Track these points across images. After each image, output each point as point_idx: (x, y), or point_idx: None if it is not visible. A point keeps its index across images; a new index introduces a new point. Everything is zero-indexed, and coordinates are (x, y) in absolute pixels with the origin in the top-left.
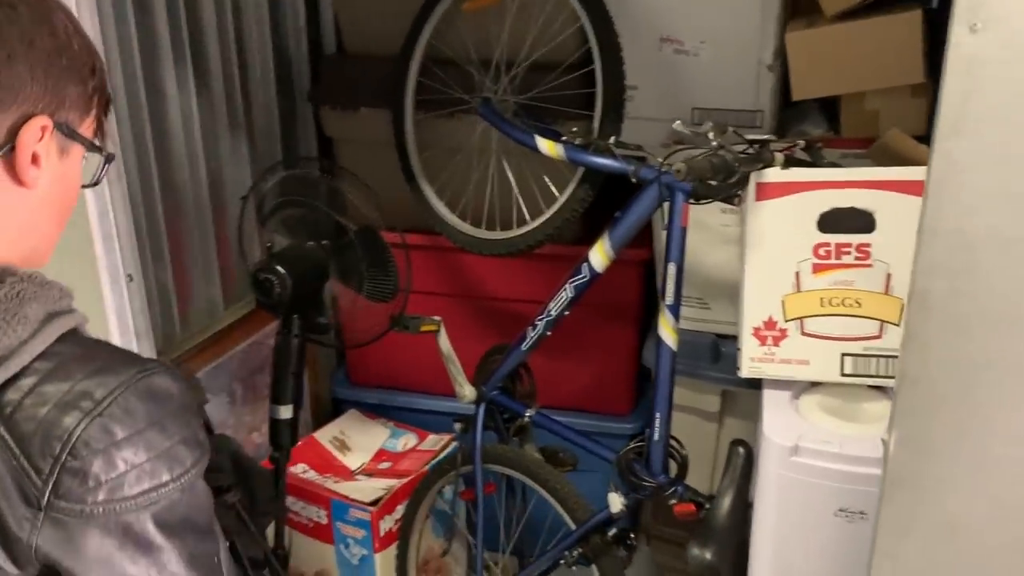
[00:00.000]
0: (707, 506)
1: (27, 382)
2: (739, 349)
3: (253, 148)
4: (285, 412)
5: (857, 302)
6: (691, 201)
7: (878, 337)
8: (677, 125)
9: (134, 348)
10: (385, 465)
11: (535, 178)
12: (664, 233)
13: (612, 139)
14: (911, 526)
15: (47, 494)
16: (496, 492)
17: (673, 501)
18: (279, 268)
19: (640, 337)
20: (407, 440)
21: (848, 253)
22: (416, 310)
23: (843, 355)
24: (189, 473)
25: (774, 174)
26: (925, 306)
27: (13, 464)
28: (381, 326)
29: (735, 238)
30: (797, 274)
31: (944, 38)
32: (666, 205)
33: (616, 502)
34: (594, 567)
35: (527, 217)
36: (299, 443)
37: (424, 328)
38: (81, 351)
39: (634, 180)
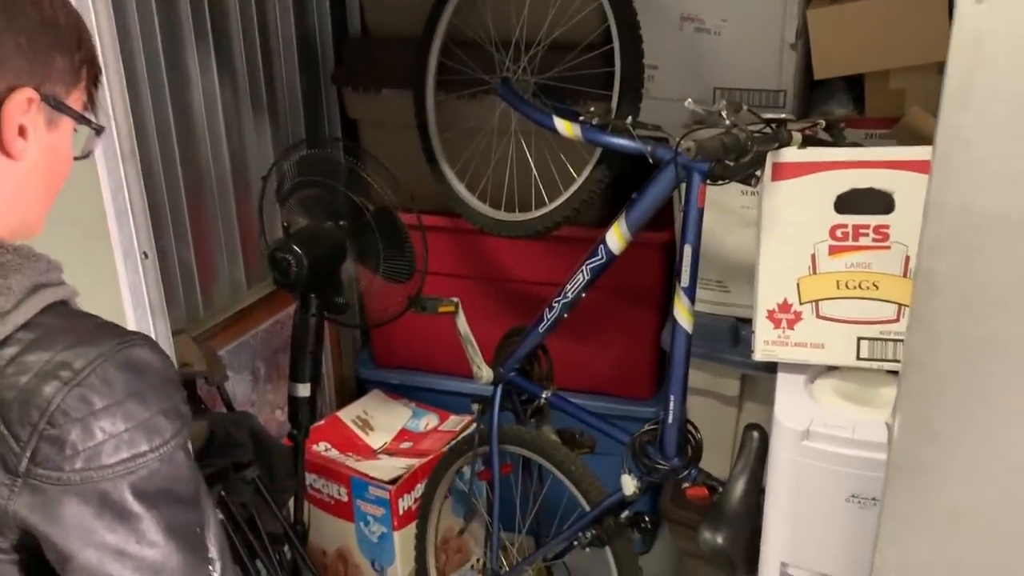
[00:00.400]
0: (720, 490)
1: (9, 352)
2: (753, 332)
3: (277, 130)
4: (303, 390)
5: (874, 285)
6: (708, 182)
7: (895, 321)
8: (689, 103)
9: (149, 326)
10: (407, 445)
11: (554, 159)
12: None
13: (630, 119)
14: (916, 513)
15: (25, 461)
16: (512, 473)
17: (686, 484)
18: (296, 248)
19: (661, 321)
20: (429, 420)
21: (866, 235)
22: (435, 292)
23: (859, 339)
24: (168, 444)
25: (790, 154)
26: (931, 286)
27: None
28: (398, 307)
29: (755, 220)
30: (813, 256)
31: None
32: (684, 187)
33: (629, 484)
34: (607, 549)
35: (546, 199)
36: (322, 422)
37: (442, 309)
38: (65, 323)
39: (651, 161)
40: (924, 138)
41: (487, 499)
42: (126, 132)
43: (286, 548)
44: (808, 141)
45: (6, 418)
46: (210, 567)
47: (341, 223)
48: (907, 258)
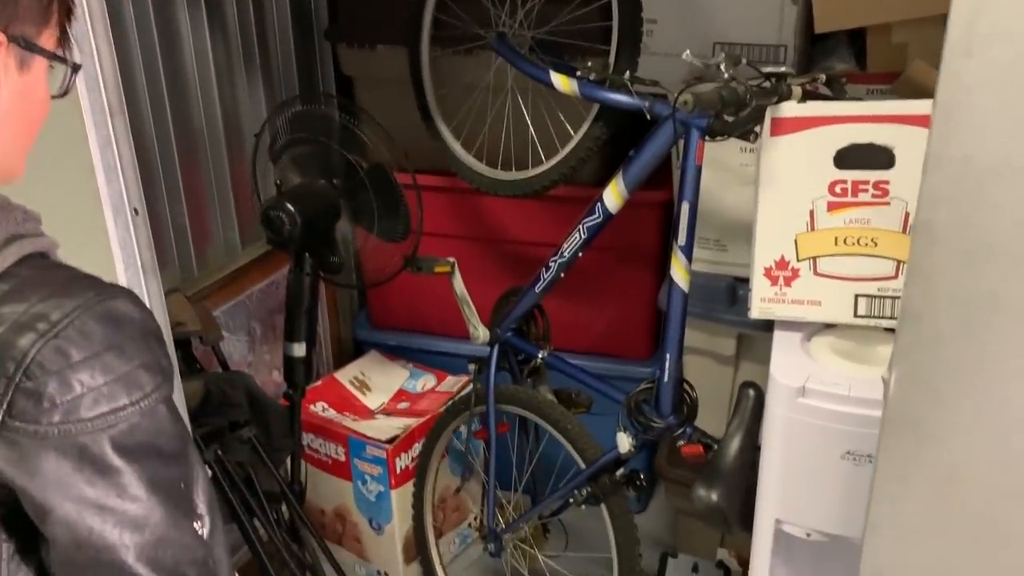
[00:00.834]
0: (715, 448)
1: None
2: (750, 289)
3: (270, 87)
4: (299, 350)
5: (873, 241)
6: (706, 138)
7: (893, 278)
8: (686, 56)
9: (141, 284)
10: (404, 405)
11: (551, 116)
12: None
13: (628, 74)
14: (911, 470)
15: (1, 414)
16: (509, 432)
17: (682, 443)
18: (289, 205)
19: (659, 281)
20: (426, 381)
21: (865, 191)
22: (431, 252)
23: (856, 296)
24: (149, 397)
25: (789, 108)
26: (930, 238)
27: None
28: (394, 266)
29: (753, 178)
30: (812, 212)
31: None
32: (682, 144)
33: (624, 442)
34: (603, 507)
35: (542, 156)
36: (320, 382)
37: (438, 269)
38: (41, 274)
39: (648, 116)
40: (926, 92)
41: (484, 458)
42: (113, 86)
43: (283, 507)
44: (809, 96)
45: None
46: (197, 522)
47: (335, 181)
48: (907, 214)
